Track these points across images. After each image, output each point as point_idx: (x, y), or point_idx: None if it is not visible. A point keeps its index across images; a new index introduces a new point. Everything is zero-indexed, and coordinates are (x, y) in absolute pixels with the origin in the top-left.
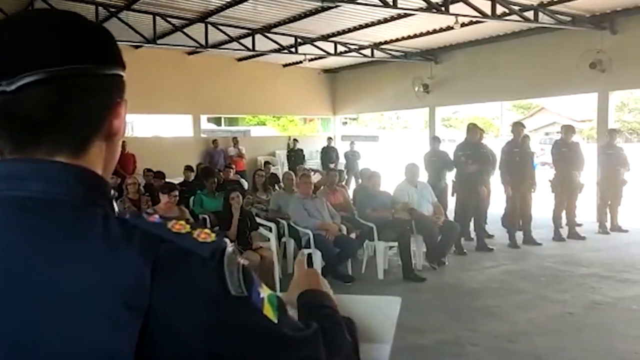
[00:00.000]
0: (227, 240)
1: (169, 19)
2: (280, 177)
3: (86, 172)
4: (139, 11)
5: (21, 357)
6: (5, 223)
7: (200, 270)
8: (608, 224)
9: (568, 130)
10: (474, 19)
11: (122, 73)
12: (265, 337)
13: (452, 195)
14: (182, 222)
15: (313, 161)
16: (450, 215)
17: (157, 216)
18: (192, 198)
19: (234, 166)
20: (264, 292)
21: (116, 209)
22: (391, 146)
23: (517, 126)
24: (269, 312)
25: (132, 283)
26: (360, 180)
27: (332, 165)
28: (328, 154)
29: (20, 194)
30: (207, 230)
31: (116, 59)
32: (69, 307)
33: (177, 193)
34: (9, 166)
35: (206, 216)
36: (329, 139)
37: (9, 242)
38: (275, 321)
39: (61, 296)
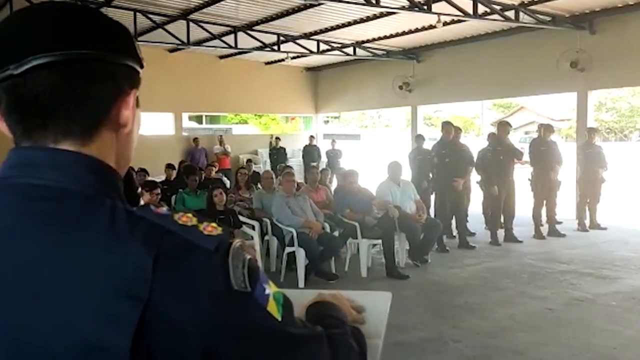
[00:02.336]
0: (232, 236)
1: (149, 15)
2: None
3: (98, 163)
4: (119, 7)
5: (11, 349)
6: (14, 210)
7: (203, 264)
8: (587, 222)
9: (547, 129)
10: (456, 18)
11: (134, 65)
12: (266, 335)
13: (431, 193)
14: (189, 215)
15: (295, 159)
16: (433, 213)
17: (164, 208)
18: (174, 197)
19: (217, 164)
20: (271, 289)
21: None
22: (373, 145)
23: (503, 125)
24: (273, 309)
25: (132, 274)
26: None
27: (314, 164)
28: (310, 152)
29: (32, 181)
30: (213, 224)
31: (128, 49)
32: (64, 297)
33: (159, 191)
34: (24, 154)
35: None
36: (311, 137)
37: (15, 228)
38: (279, 319)
39: (58, 285)
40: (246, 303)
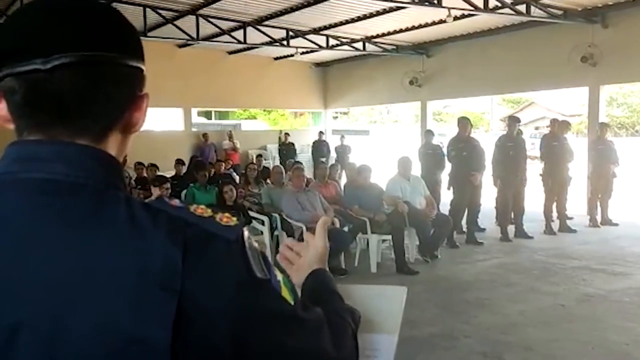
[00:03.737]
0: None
1: (159, 10)
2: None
3: (105, 155)
4: (129, 3)
5: (45, 344)
6: (25, 207)
7: (226, 253)
8: (599, 218)
9: (562, 125)
10: (467, 12)
11: (143, 67)
12: (284, 320)
13: (448, 189)
14: (203, 207)
15: (304, 155)
16: (443, 208)
17: (177, 201)
18: (184, 192)
19: (230, 161)
20: (279, 274)
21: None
22: (382, 140)
23: (512, 120)
24: (286, 294)
25: (163, 266)
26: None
27: (323, 160)
28: (319, 148)
29: (40, 175)
30: (227, 214)
31: (139, 52)
32: (96, 291)
33: (168, 186)
34: (25, 147)
35: None
36: (320, 133)
37: (30, 226)
38: (292, 303)
39: (88, 280)
40: (267, 290)
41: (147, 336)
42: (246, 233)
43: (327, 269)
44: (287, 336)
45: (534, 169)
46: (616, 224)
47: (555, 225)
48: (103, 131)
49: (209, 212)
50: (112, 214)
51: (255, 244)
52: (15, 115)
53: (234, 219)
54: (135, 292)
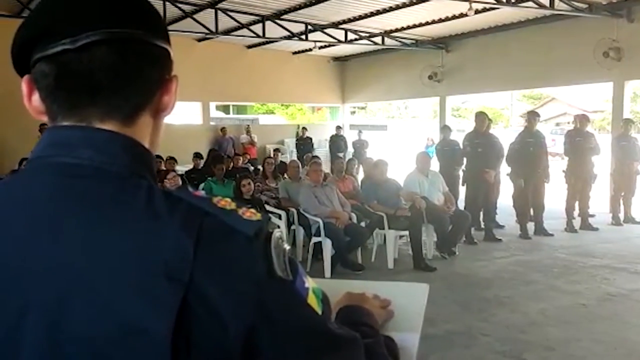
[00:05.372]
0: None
1: (178, 4)
2: None
3: (133, 142)
4: None
5: (50, 326)
6: (51, 189)
7: (244, 249)
8: (621, 216)
9: (582, 119)
10: (488, 6)
11: (170, 50)
12: (306, 328)
13: (462, 185)
14: (228, 199)
15: (322, 149)
16: (461, 204)
17: (202, 192)
18: (201, 185)
19: (247, 155)
20: (309, 283)
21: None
22: (399, 136)
23: (532, 115)
24: (313, 302)
25: (173, 255)
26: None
27: (340, 154)
28: (336, 142)
29: (68, 160)
30: (252, 210)
31: (166, 33)
32: (102, 277)
33: (174, 174)
34: (59, 133)
35: None
36: (338, 127)
37: (52, 207)
38: (319, 312)
39: (95, 264)
40: (288, 291)
41: (147, 327)
42: (277, 233)
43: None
44: (308, 346)
45: (554, 166)
46: (639, 222)
47: (577, 222)
48: (133, 111)
49: (232, 205)
50: (130, 199)
51: (285, 246)
52: (49, 100)
53: (258, 214)
54: (139, 280)
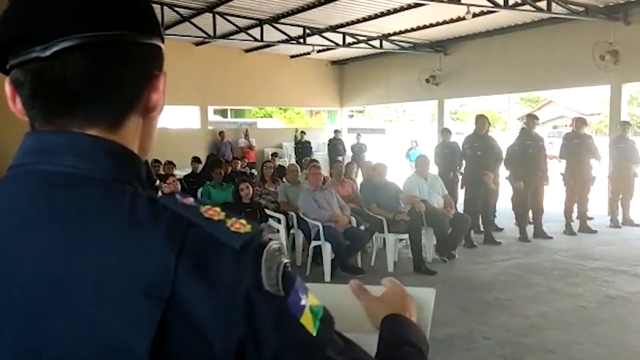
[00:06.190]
0: (270, 236)
1: (176, 8)
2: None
3: (117, 148)
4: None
5: (27, 348)
6: (33, 199)
7: (230, 263)
8: (620, 218)
9: (578, 121)
10: (486, 9)
11: (160, 44)
12: (297, 349)
13: (461, 188)
14: (217, 209)
15: (320, 153)
16: (461, 207)
17: (191, 199)
18: (200, 189)
19: (246, 159)
20: (308, 300)
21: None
22: (398, 139)
23: (531, 118)
24: (307, 322)
25: (153, 270)
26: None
27: (339, 158)
28: (335, 146)
29: (49, 168)
30: (242, 221)
31: (154, 28)
32: (82, 293)
33: (174, 179)
34: (39, 138)
35: None
36: (336, 131)
37: (29, 218)
38: (313, 334)
39: (75, 280)
40: (276, 308)
41: (124, 347)
42: (275, 245)
43: (412, 318)
44: None
45: (552, 168)
46: (638, 225)
47: (575, 225)
48: (118, 117)
49: (221, 215)
50: (112, 208)
51: (282, 259)
52: (26, 108)
53: (248, 226)
54: (117, 296)
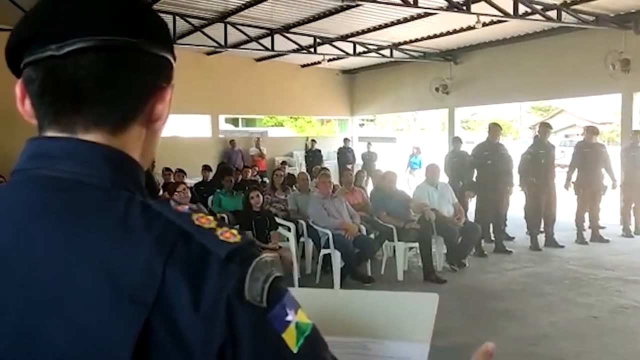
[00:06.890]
0: (259, 250)
1: (188, 19)
2: None
3: (116, 154)
4: (159, 11)
5: (22, 351)
6: (30, 203)
7: (214, 271)
8: (632, 227)
9: (589, 130)
10: (496, 19)
11: (171, 59)
12: None
13: (472, 196)
14: (209, 217)
15: (330, 162)
16: (472, 216)
17: (186, 207)
18: (210, 197)
19: (257, 167)
20: (296, 317)
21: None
22: (408, 148)
23: (545, 127)
24: (290, 338)
25: (140, 275)
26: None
27: (349, 166)
28: (345, 154)
29: (48, 173)
30: (233, 231)
31: (166, 42)
32: (73, 298)
33: (183, 187)
34: (41, 144)
35: (224, 215)
36: (346, 139)
37: (25, 223)
38: (294, 351)
39: (68, 284)
40: (257, 320)
41: (109, 352)
42: (266, 258)
43: None
44: None
45: (562, 177)
46: None
47: (587, 234)
48: (122, 122)
49: (212, 223)
50: (106, 213)
51: (273, 272)
52: (35, 106)
53: (238, 236)
54: (105, 301)
